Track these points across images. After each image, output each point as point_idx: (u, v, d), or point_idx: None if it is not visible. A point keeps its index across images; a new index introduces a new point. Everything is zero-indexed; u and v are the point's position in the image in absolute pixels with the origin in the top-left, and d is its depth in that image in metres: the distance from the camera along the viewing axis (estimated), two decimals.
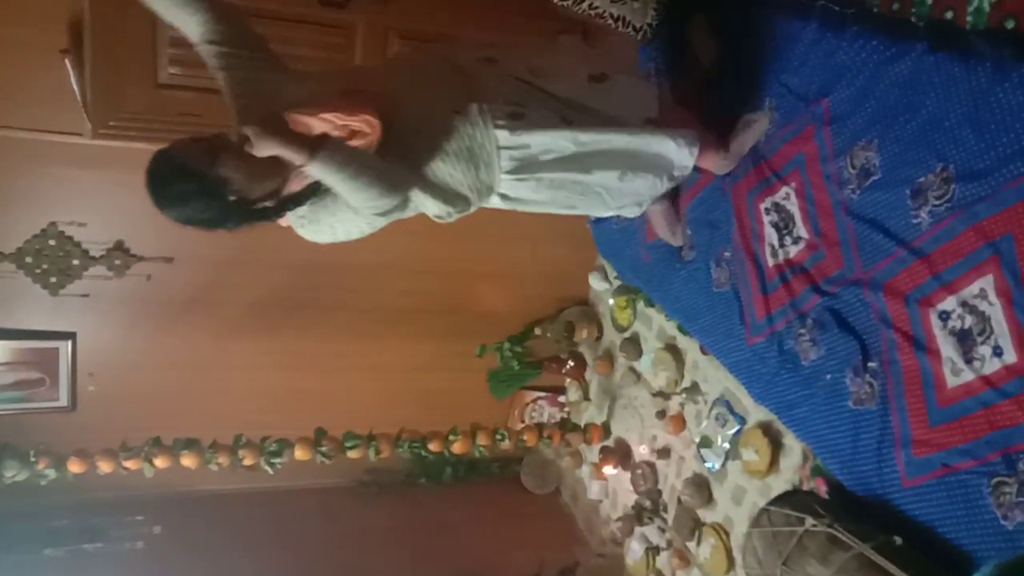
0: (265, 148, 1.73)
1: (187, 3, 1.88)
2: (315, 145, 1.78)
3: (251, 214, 1.87)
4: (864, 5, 2.18)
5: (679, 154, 2.32)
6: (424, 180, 2.05)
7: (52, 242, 3.08)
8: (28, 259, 3.07)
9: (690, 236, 2.84)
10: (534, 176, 2.17)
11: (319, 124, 1.88)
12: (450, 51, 2.28)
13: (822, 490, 2.32)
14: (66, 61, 2.71)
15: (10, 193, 2.97)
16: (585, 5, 2.86)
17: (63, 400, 3.31)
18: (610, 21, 2.91)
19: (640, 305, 3.44)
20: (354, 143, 1.89)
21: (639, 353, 3.42)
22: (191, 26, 1.92)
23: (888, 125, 2.05)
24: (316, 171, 1.80)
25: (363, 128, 1.90)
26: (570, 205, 2.35)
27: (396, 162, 1.96)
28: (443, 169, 2.06)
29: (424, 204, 2.12)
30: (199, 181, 1.74)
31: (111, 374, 3.36)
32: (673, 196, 2.80)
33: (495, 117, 2.07)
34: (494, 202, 2.23)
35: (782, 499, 2.30)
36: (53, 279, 3.12)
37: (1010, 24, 1.79)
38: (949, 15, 1.93)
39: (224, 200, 1.79)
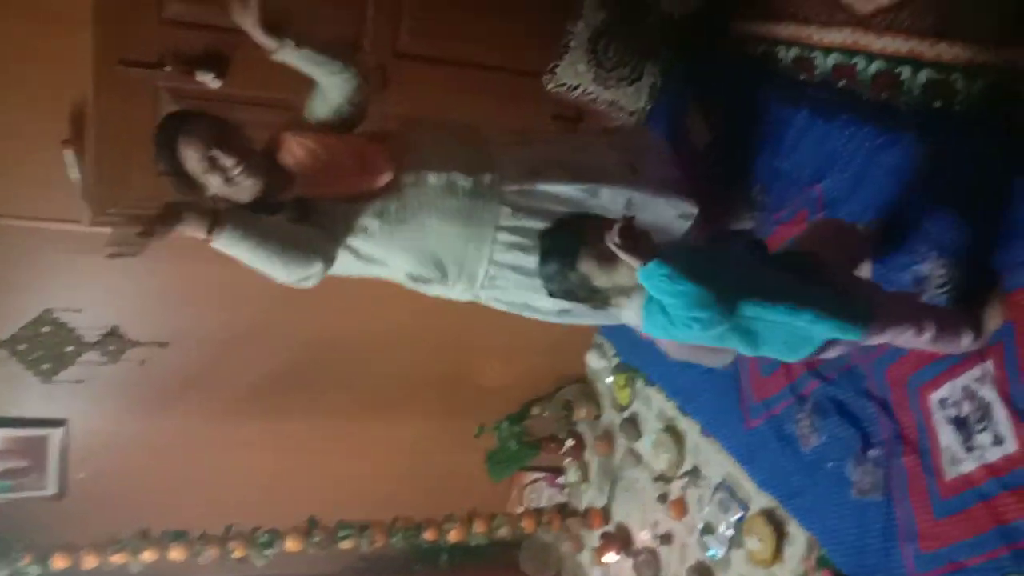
0: (166, 231, 1.78)
1: (340, 80, 2.06)
2: (216, 221, 1.82)
3: None
4: (853, 93, 2.22)
5: None
6: (405, 228, 2.05)
7: (46, 329, 3.06)
8: (21, 347, 3.05)
9: None
10: (515, 277, 2.15)
11: (342, 147, 1.99)
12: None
13: None
14: (67, 151, 2.75)
15: (5, 281, 2.96)
16: (579, 91, 2.92)
17: (51, 488, 3.23)
18: (604, 106, 2.97)
19: (639, 384, 3.40)
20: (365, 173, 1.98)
21: (639, 434, 3.37)
22: (334, 93, 2.08)
23: (885, 211, 2.05)
24: (219, 246, 1.85)
25: (376, 161, 1.99)
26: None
27: (387, 197, 2.00)
28: (434, 223, 2.05)
29: (396, 250, 2.09)
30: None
31: (102, 460, 3.30)
32: None
33: (504, 193, 2.09)
34: (481, 295, 2.19)
35: None
36: (46, 366, 3.09)
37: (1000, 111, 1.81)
38: (938, 104, 1.96)
39: None
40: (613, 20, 2.79)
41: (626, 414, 3.48)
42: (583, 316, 2.29)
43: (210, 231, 1.81)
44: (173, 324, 3.17)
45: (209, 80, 2.77)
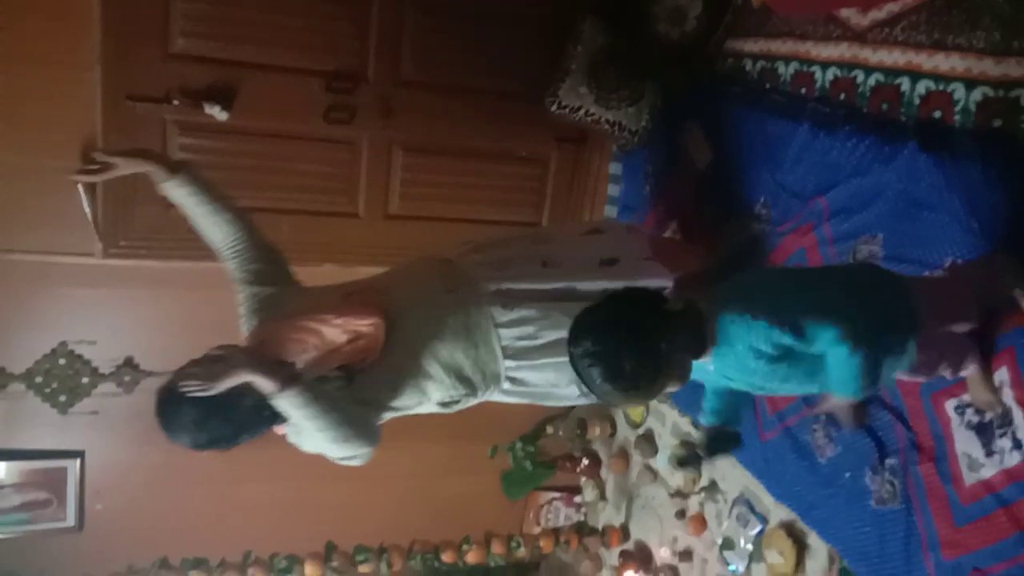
0: (236, 377, 1.72)
1: (222, 221, 2.03)
2: (288, 378, 1.76)
3: (267, 418, 1.84)
4: (854, 105, 2.23)
5: None
6: (421, 368, 2.04)
7: (62, 361, 3.09)
8: (38, 379, 3.08)
9: None
10: (533, 362, 2.17)
11: (329, 329, 1.94)
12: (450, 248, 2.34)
13: None
14: (79, 186, 2.79)
15: (21, 315, 3.00)
16: (581, 112, 2.95)
17: (70, 520, 3.25)
18: (606, 126, 3.00)
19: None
20: (360, 344, 1.94)
21: (654, 450, 3.36)
22: (217, 238, 2.05)
23: (892, 220, 2.06)
24: (283, 404, 1.78)
25: (368, 331, 1.95)
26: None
27: (397, 350, 1.99)
28: (443, 349, 2.06)
29: (428, 392, 2.08)
30: (211, 400, 1.74)
31: (119, 491, 3.31)
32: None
33: (487, 294, 2.13)
34: (505, 387, 2.21)
35: None
36: (62, 398, 3.12)
37: (997, 123, 1.82)
38: (937, 114, 1.97)
39: (241, 409, 1.79)
40: (611, 43, 2.83)
41: (640, 431, 3.47)
42: None
43: (283, 386, 1.74)
44: (188, 352, 3.12)
45: (216, 112, 2.81)
